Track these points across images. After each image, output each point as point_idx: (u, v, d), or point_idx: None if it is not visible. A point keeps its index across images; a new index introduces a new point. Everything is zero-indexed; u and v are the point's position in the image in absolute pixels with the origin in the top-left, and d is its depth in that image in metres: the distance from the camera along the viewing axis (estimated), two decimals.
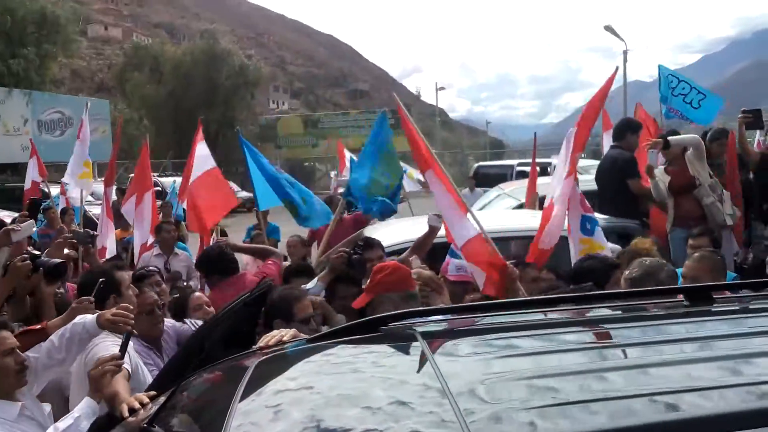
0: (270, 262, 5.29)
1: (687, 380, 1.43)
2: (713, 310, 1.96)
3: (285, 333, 2.39)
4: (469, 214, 4.40)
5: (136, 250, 6.92)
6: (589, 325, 2.04)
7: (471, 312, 2.29)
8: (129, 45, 50.98)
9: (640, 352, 1.65)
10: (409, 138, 4.68)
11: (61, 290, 4.45)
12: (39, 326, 3.23)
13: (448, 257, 4.64)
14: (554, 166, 13.27)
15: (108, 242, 6.83)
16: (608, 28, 29.93)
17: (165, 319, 3.99)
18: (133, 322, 3.01)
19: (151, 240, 6.81)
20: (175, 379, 2.48)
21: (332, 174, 40.54)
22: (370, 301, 3.32)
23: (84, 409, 2.73)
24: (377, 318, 2.06)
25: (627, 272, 3.66)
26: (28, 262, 3.82)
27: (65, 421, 2.65)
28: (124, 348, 2.88)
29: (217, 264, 5.01)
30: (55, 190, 10.37)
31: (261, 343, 2.36)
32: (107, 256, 6.42)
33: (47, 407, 3.00)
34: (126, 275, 3.63)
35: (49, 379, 3.13)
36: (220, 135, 40.74)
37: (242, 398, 1.65)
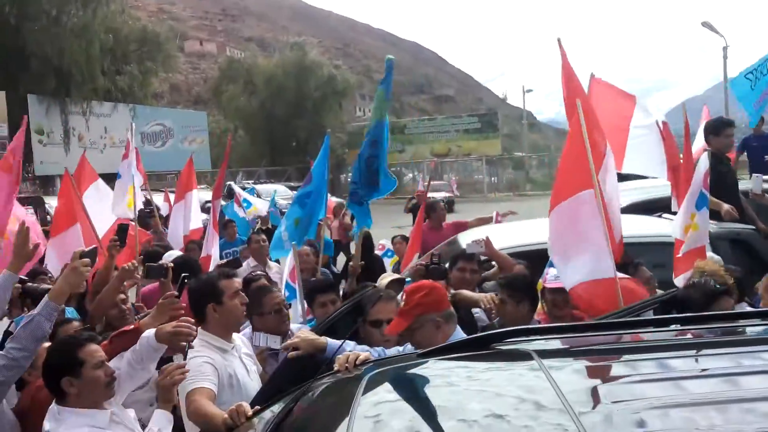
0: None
1: None
2: None
3: (360, 355, 2.47)
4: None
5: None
6: (709, 347, 1.93)
7: (582, 331, 2.18)
8: (223, 59, 53.17)
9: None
10: (573, 147, 4.13)
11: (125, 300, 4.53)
12: (132, 326, 3.30)
13: (547, 267, 4.44)
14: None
15: (213, 251, 7.11)
16: (706, 24, 28.70)
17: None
18: (194, 334, 2.99)
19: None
20: (279, 391, 2.53)
21: (419, 178, 40.76)
22: (406, 331, 3.05)
23: (160, 421, 2.86)
24: (489, 335, 2.02)
25: None
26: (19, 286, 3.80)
27: None
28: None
29: None
30: (158, 199, 10.97)
31: (337, 365, 2.42)
32: (212, 265, 6.62)
33: (131, 413, 3.09)
34: (233, 283, 3.44)
35: (132, 388, 3.20)
36: (309, 143, 41.90)
37: (359, 414, 1.64)
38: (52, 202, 11.71)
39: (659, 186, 6.52)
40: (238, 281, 3.57)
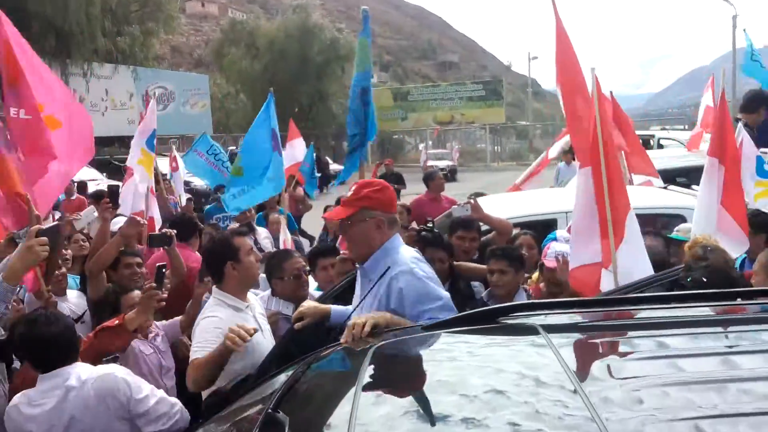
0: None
1: None
2: None
3: (367, 322, 2.35)
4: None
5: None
6: (722, 325, 1.91)
7: (588, 306, 2.18)
8: (225, 21, 52.48)
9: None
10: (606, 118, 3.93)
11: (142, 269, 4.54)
12: (117, 321, 3.28)
13: (549, 242, 4.35)
14: (657, 139, 12.59)
15: (154, 213, 7.11)
16: None
17: None
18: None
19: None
20: (287, 358, 2.55)
21: (421, 147, 40.50)
22: (347, 220, 2.89)
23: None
24: (496, 308, 2.02)
25: None
26: None
27: None
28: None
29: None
30: (162, 163, 10.95)
31: (344, 339, 2.33)
32: (156, 227, 6.57)
33: None
34: (245, 241, 3.48)
35: None
36: (312, 108, 41.56)
37: (365, 387, 1.64)
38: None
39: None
40: (249, 240, 3.64)
